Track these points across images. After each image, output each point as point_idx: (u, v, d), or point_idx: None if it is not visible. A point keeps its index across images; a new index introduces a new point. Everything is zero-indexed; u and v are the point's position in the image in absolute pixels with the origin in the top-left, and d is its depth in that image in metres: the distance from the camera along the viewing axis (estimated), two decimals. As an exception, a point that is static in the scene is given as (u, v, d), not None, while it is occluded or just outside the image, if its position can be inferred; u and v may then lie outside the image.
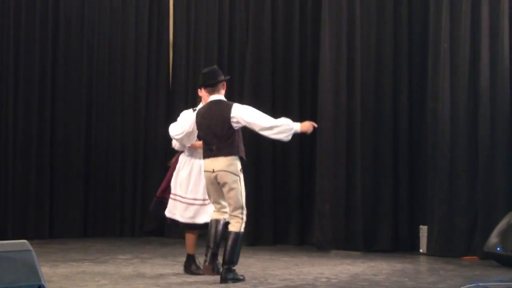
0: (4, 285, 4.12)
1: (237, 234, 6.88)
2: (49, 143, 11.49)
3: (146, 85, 12.16)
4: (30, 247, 4.37)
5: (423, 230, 9.64)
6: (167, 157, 11.74)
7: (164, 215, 7.60)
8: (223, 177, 6.89)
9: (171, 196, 7.56)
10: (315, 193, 10.34)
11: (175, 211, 7.51)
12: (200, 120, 7.09)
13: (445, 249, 9.31)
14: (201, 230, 7.57)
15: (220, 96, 7.11)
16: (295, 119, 10.76)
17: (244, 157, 7.02)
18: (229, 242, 6.86)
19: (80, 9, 11.92)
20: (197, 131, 7.22)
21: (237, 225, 6.90)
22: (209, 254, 7.05)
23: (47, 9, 11.54)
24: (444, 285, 6.88)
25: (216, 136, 6.93)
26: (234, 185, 6.89)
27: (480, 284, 6.76)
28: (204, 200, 7.45)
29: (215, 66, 7.54)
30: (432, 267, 8.48)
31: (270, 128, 6.98)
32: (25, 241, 4.39)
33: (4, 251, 4.24)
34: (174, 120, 7.82)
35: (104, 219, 11.92)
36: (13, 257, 4.24)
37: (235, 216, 6.93)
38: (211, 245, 7.03)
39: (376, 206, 10.02)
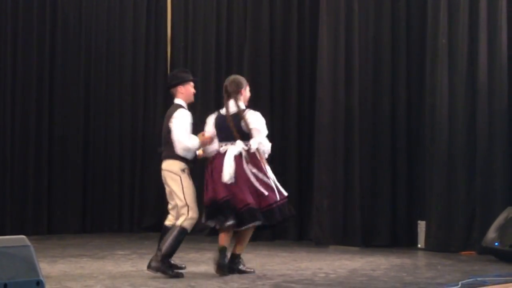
0: (2, 281, 4.12)
1: (177, 227, 7.05)
2: (47, 139, 11.50)
3: (144, 82, 12.17)
4: (29, 243, 4.37)
5: (421, 225, 9.65)
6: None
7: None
8: (164, 177, 7.18)
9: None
10: (314, 189, 10.35)
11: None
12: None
13: (443, 244, 9.32)
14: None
15: (176, 99, 7.39)
16: (294, 114, 10.89)
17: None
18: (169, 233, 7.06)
19: (77, 6, 11.92)
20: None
21: (180, 220, 7.06)
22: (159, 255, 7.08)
23: (45, 7, 11.53)
24: (442, 280, 6.89)
25: (164, 139, 7.24)
26: (173, 185, 7.08)
27: (478, 279, 6.77)
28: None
29: (178, 69, 7.65)
30: (430, 262, 8.49)
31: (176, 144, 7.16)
32: (23, 236, 4.39)
33: (3, 247, 4.24)
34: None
35: (102, 214, 11.93)
36: (12, 252, 4.24)
37: (182, 214, 7.07)
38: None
39: (375, 201, 10.03)
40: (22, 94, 11.32)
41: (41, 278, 4.31)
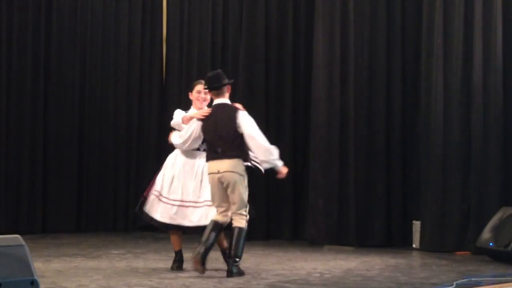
0: (-4, 280, 4.11)
1: (241, 229, 6.98)
2: (42, 138, 11.49)
3: (139, 81, 12.16)
4: (23, 242, 4.36)
5: (416, 225, 9.65)
6: (160, 151, 11.80)
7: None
8: (228, 178, 6.96)
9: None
10: (308, 188, 10.35)
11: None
12: (206, 123, 7.15)
13: (438, 244, 9.33)
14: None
15: (225, 99, 7.18)
16: (289, 114, 10.89)
17: (248, 159, 7.11)
18: (234, 237, 6.95)
19: (73, 4, 11.90)
20: (202, 136, 7.25)
21: (241, 222, 7.00)
22: (202, 249, 7.03)
23: (40, 5, 11.51)
24: (437, 280, 6.89)
25: (222, 139, 7.01)
26: (239, 185, 6.97)
27: (473, 279, 6.78)
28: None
29: (220, 70, 7.52)
30: (425, 262, 8.50)
31: (265, 150, 7.06)
32: (17, 236, 4.38)
33: (-3, 246, 4.23)
34: (168, 116, 7.84)
35: (97, 214, 11.92)
36: (6, 252, 4.23)
37: (239, 214, 7.01)
38: (204, 240, 7.01)
39: (369, 201, 10.03)
40: (17, 93, 11.30)
41: (36, 277, 4.30)
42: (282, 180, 10.60)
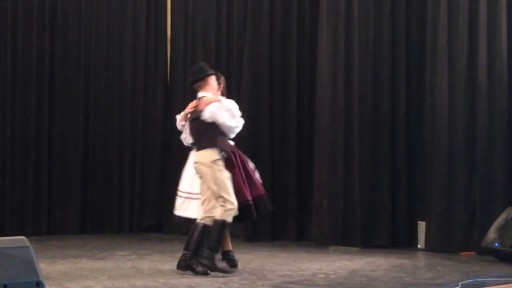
0: (2, 282, 4.12)
1: (215, 221, 7.10)
2: (47, 139, 11.48)
3: (144, 81, 12.15)
4: (28, 244, 4.37)
5: (421, 225, 9.64)
6: (165, 152, 11.80)
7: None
8: (197, 170, 7.27)
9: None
10: (313, 189, 10.34)
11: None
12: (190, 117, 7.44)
13: (443, 244, 9.32)
14: None
15: (204, 92, 7.41)
16: (293, 114, 10.88)
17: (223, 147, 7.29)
18: (210, 229, 7.11)
19: (77, 4, 11.90)
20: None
21: (217, 212, 7.13)
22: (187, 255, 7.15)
23: (44, 6, 11.52)
24: (442, 281, 6.89)
25: (196, 130, 7.36)
26: (207, 176, 7.16)
27: (478, 279, 6.77)
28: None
29: (201, 63, 7.73)
30: (430, 262, 8.49)
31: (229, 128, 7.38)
32: (23, 237, 4.39)
33: (3, 248, 4.24)
34: (172, 116, 7.86)
35: (102, 215, 11.91)
36: (12, 253, 4.24)
37: (220, 205, 7.14)
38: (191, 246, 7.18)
39: (374, 201, 10.02)
40: (22, 94, 11.29)
41: (41, 279, 4.31)
42: (287, 181, 10.71)
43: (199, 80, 7.45)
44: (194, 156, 7.41)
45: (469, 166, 9.31)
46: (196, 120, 7.34)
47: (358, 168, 10.02)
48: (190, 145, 7.60)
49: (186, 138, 7.58)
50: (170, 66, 12.19)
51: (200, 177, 7.24)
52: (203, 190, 7.20)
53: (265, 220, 10.63)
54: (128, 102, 12.08)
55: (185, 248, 7.23)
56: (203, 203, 7.24)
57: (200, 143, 7.28)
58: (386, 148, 10.08)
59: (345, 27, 10.19)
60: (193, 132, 7.41)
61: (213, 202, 7.15)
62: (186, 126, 7.54)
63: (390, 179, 10.02)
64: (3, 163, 11.13)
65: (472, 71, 9.34)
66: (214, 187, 7.13)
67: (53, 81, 11.59)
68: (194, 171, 7.42)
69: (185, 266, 7.21)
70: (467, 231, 9.25)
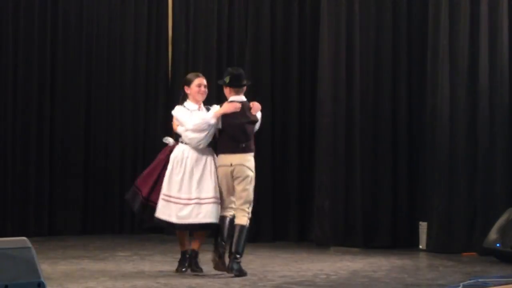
0: (3, 282, 4.12)
1: (243, 227, 7.13)
2: (48, 140, 11.48)
3: (145, 82, 12.16)
4: (30, 244, 4.37)
5: (423, 226, 9.64)
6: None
7: (139, 209, 7.48)
8: (239, 171, 7.18)
9: (163, 197, 7.30)
10: (314, 189, 10.33)
11: (170, 212, 7.28)
12: (231, 117, 7.31)
13: (445, 245, 9.31)
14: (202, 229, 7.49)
15: (242, 97, 7.47)
16: (295, 114, 10.88)
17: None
18: (236, 234, 7.09)
19: (79, 6, 11.91)
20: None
21: (244, 219, 7.16)
22: (221, 250, 7.10)
23: (46, 7, 11.52)
24: (444, 281, 6.88)
25: (246, 134, 7.29)
26: (248, 180, 7.20)
27: (480, 280, 6.77)
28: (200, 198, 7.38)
29: (241, 69, 7.85)
30: (431, 263, 8.49)
31: None
32: (24, 238, 4.39)
33: (4, 248, 4.24)
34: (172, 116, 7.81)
35: (103, 216, 11.91)
36: (13, 254, 4.24)
37: (242, 209, 7.17)
38: (225, 240, 7.13)
39: (376, 202, 10.02)
40: (23, 95, 11.29)
41: (42, 279, 4.31)
42: (288, 181, 10.71)
43: (246, 85, 7.53)
44: (217, 159, 7.30)
45: (471, 166, 9.30)
46: (250, 124, 7.34)
47: (359, 168, 10.02)
48: (199, 146, 7.36)
49: (206, 138, 7.32)
50: (172, 68, 12.20)
51: (238, 177, 7.19)
52: (238, 190, 7.20)
53: (267, 220, 10.65)
54: (129, 103, 12.08)
55: (221, 240, 7.14)
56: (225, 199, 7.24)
57: (249, 147, 7.29)
58: (387, 148, 10.08)
59: (346, 27, 10.19)
60: (242, 135, 7.29)
61: (228, 200, 7.24)
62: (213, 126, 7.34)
63: (391, 179, 10.03)
64: (4, 164, 11.13)
65: (473, 71, 9.34)
66: (250, 192, 7.23)
67: (54, 82, 11.59)
68: (189, 176, 7.30)
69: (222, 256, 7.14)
70: (468, 231, 9.24)
